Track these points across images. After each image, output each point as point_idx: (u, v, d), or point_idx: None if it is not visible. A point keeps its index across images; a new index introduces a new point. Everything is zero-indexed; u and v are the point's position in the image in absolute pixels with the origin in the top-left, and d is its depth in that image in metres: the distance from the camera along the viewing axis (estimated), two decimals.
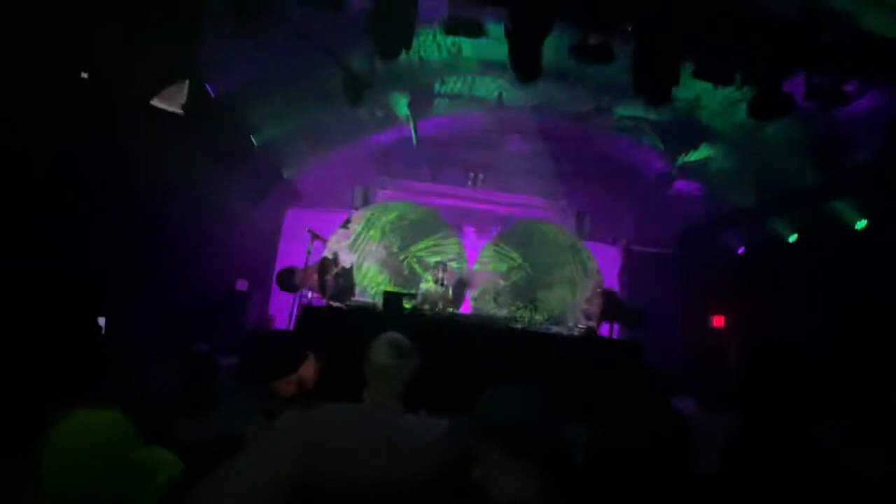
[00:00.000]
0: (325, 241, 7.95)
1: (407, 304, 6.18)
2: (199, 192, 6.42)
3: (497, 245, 9.58)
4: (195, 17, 4.42)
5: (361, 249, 9.27)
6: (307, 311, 6.06)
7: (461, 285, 8.15)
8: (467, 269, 9.33)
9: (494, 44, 5.77)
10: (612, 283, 9.38)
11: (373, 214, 9.53)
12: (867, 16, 4.80)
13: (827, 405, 1.61)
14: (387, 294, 6.24)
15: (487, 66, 7.12)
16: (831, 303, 6.30)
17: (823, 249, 6.88)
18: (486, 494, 1.20)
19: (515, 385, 1.27)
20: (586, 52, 5.21)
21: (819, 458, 1.37)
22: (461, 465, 1.28)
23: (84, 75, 4.33)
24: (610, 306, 6.76)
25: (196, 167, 6.12)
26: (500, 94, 8.06)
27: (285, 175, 8.69)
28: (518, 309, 7.56)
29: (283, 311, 7.84)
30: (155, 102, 5.04)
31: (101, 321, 4.48)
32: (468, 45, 6.53)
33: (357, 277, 8.39)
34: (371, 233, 9.41)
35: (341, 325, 5.37)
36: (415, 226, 9.53)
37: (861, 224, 6.57)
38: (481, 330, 6.06)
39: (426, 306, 6.55)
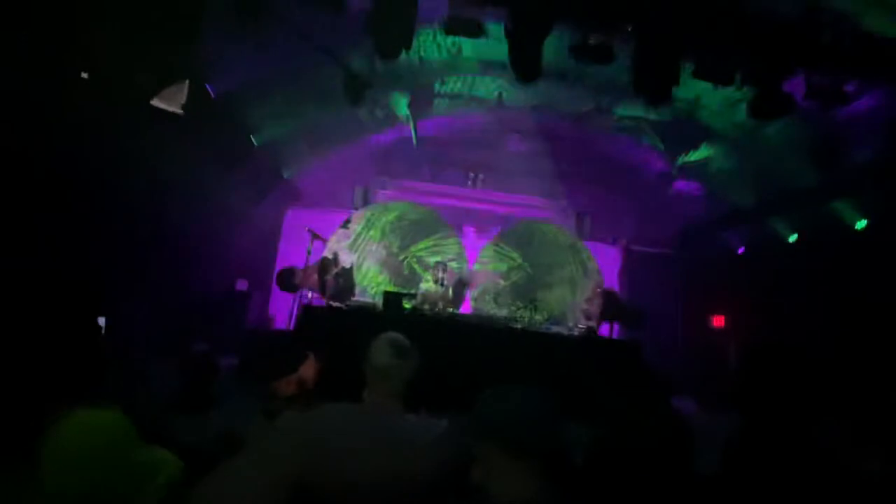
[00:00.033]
0: (324, 240, 7.95)
1: (407, 304, 6.17)
2: (199, 192, 6.42)
3: (497, 245, 9.58)
4: (195, 17, 4.42)
5: (361, 249, 9.27)
6: (307, 311, 6.06)
7: (461, 285, 8.15)
8: (467, 269, 9.33)
9: (494, 44, 5.76)
10: (613, 283, 9.38)
11: (373, 214, 9.53)
12: (867, 16, 4.80)
13: (827, 405, 1.61)
14: (387, 294, 6.24)
15: (487, 66, 7.12)
16: (831, 303, 6.30)
17: (823, 249, 6.88)
18: (485, 494, 1.20)
19: (515, 385, 1.27)
20: (586, 52, 5.21)
21: (819, 458, 1.37)
22: (461, 464, 1.28)
23: (84, 75, 4.33)
24: (610, 306, 6.76)
25: (196, 167, 6.12)
26: (500, 94, 8.06)
27: (285, 175, 8.70)
28: (518, 309, 7.55)
29: (283, 311, 7.85)
30: (155, 102, 5.05)
31: (102, 321, 4.48)
32: (468, 45, 6.52)
33: (357, 277, 8.39)
34: (371, 233, 9.41)
35: (341, 325, 5.37)
36: (415, 226, 9.53)
37: (861, 224, 6.57)
38: (481, 330, 6.06)
39: (426, 306, 6.54)
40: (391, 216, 9.55)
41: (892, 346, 5.11)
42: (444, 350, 4.55)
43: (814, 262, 6.95)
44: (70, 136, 4.15)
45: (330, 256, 7.42)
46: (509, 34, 5.04)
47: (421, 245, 9.42)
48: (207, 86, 5.86)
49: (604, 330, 6.92)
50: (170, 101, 5.16)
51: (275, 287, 8.73)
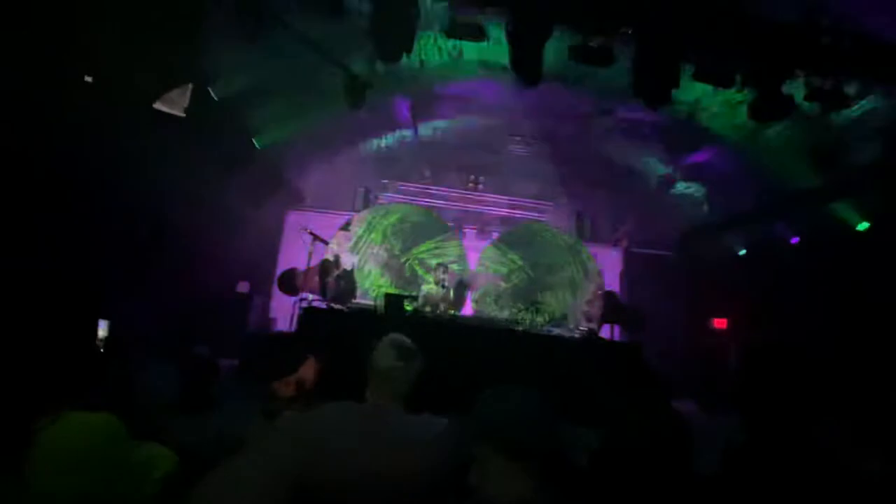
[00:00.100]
0: (325, 242, 7.96)
1: (408, 306, 6.18)
2: (200, 195, 6.43)
3: (498, 247, 9.59)
4: (197, 19, 4.44)
5: (363, 252, 9.28)
6: (308, 313, 6.06)
7: (462, 287, 8.16)
8: (468, 271, 9.34)
9: (495, 47, 5.78)
10: (614, 285, 9.38)
11: (374, 217, 9.54)
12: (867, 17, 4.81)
13: (827, 406, 1.61)
14: (388, 296, 6.24)
15: (488, 69, 7.13)
16: (832, 304, 6.29)
17: (824, 251, 6.88)
18: (484, 495, 1.20)
19: (513, 385, 1.27)
20: (587, 54, 5.22)
21: (819, 458, 1.37)
22: (460, 464, 1.28)
23: (88, 79, 4.35)
24: (610, 308, 6.76)
25: (198, 169, 6.14)
26: (500, 97, 8.07)
27: (287, 177, 8.71)
28: (519, 311, 7.55)
29: (284, 313, 7.85)
30: (158, 105, 5.06)
31: (103, 324, 4.50)
32: (469, 49, 6.54)
33: (358, 280, 8.40)
34: (372, 235, 9.42)
35: (342, 327, 5.37)
36: (416, 228, 9.54)
37: (862, 226, 6.57)
38: (482, 332, 6.05)
39: (427, 308, 6.55)
40: (392, 218, 9.56)
41: (892, 346, 5.10)
42: (446, 352, 4.54)
43: (815, 263, 6.94)
44: (72, 137, 4.16)
45: (331, 259, 7.44)
46: (510, 37, 5.05)
47: (422, 247, 9.43)
48: (209, 89, 5.88)
49: (605, 332, 6.92)
50: (172, 104, 5.18)
51: (276, 289, 8.76)
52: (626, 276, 9.65)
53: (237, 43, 4.97)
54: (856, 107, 5.70)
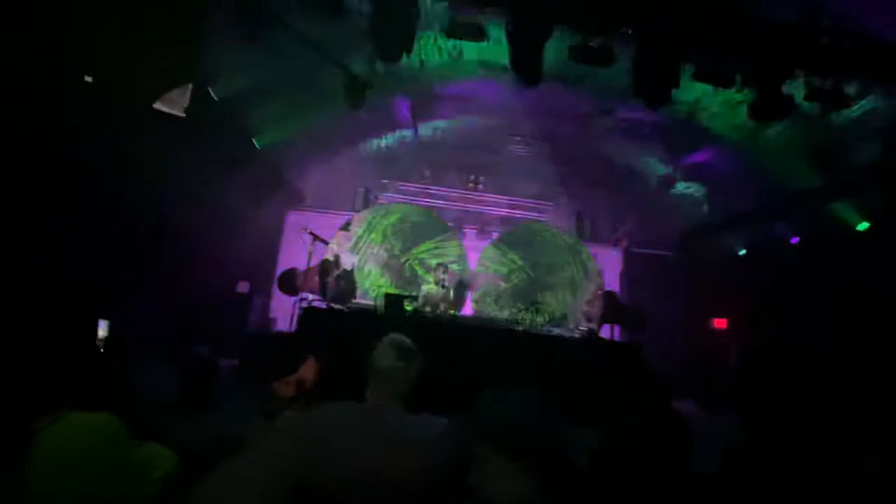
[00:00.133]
0: (325, 242, 7.96)
1: (408, 306, 6.18)
2: (200, 195, 6.43)
3: (498, 247, 9.59)
4: (198, 20, 4.44)
5: (363, 252, 9.29)
6: (308, 313, 6.07)
7: (462, 287, 8.16)
8: (468, 271, 9.34)
9: (495, 47, 5.78)
10: (614, 285, 9.38)
11: (374, 217, 9.55)
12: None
13: (827, 406, 1.61)
14: (388, 296, 6.24)
15: (488, 69, 7.13)
16: (832, 304, 6.29)
17: (824, 251, 6.88)
18: (484, 495, 1.20)
19: (513, 385, 1.27)
20: (587, 54, 5.22)
21: (819, 458, 1.37)
22: (460, 464, 1.28)
23: (88, 79, 4.35)
24: (610, 308, 6.76)
25: (198, 169, 6.14)
26: (500, 97, 8.07)
27: (287, 177, 8.71)
28: (519, 311, 7.55)
29: (284, 313, 7.85)
30: (158, 105, 5.06)
31: (103, 324, 4.50)
32: (469, 49, 6.54)
33: (358, 280, 8.40)
34: (372, 235, 9.42)
35: (342, 327, 5.37)
36: (416, 228, 9.55)
37: (862, 226, 6.57)
38: (482, 332, 6.05)
39: (427, 308, 6.55)
40: (392, 218, 9.56)
41: (892, 346, 5.10)
42: (446, 352, 4.54)
43: (815, 263, 6.94)
44: (72, 137, 4.17)
45: (331, 259, 7.44)
46: (510, 37, 5.06)
47: (422, 247, 9.43)
48: (209, 89, 5.88)
49: (605, 332, 6.92)
50: (173, 104, 5.18)
51: (276, 289, 8.76)
52: (626, 276, 9.65)
53: (237, 43, 4.97)
54: (856, 107, 5.71)
